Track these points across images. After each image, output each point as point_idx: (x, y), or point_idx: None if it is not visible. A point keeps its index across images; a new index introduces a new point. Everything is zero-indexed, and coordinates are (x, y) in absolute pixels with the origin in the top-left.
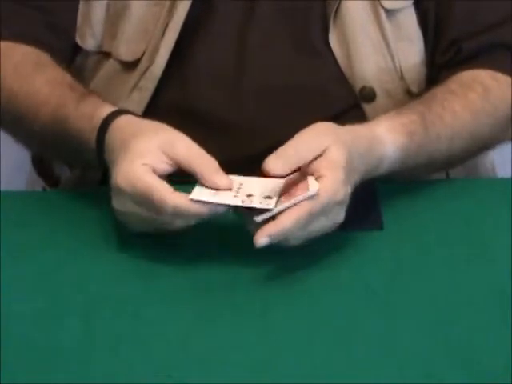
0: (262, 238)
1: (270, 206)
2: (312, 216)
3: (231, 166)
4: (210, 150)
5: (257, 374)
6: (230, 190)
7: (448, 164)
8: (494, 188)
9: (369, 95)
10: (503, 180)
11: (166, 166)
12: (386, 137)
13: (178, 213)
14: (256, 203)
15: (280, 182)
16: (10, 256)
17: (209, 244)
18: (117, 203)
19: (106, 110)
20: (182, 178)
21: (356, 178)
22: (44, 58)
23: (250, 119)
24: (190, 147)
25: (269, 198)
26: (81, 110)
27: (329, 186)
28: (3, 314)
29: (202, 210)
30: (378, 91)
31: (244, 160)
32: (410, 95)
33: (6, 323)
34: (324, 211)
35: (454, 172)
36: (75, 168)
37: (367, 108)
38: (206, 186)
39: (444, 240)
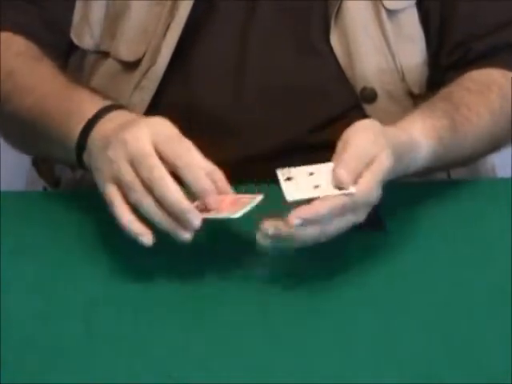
0: (295, 219)
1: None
2: (343, 210)
3: (232, 165)
4: (211, 150)
5: (257, 374)
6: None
7: (466, 163)
8: (495, 188)
9: (370, 96)
10: (503, 180)
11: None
12: (420, 142)
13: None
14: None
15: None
16: (10, 256)
17: (209, 244)
18: (109, 155)
19: (102, 103)
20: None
21: (388, 179)
22: (39, 53)
23: (251, 119)
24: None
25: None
26: (69, 99)
27: (367, 188)
28: (3, 313)
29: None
30: (379, 92)
31: (246, 160)
32: (411, 96)
33: (6, 323)
34: (354, 209)
35: (455, 172)
36: (76, 169)
37: (368, 109)
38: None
39: (444, 240)
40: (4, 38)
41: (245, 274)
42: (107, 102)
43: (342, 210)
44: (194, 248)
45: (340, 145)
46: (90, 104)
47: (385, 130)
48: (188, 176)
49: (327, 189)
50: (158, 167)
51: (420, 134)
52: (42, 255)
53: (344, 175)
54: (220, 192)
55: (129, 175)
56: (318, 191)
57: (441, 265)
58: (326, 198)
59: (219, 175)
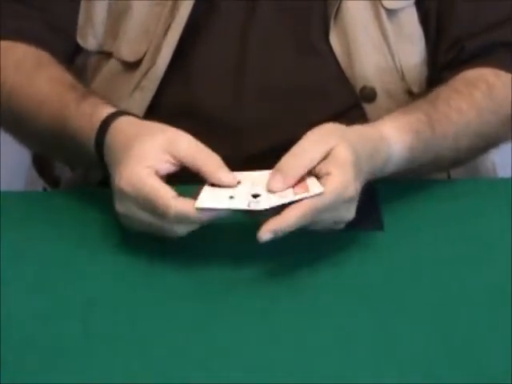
0: (265, 234)
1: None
2: (317, 213)
3: (232, 165)
4: (211, 150)
5: (257, 374)
6: (232, 187)
7: (454, 163)
8: (495, 188)
9: (369, 95)
10: (503, 180)
11: (168, 166)
12: (392, 136)
13: (180, 219)
14: (264, 205)
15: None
16: (10, 256)
17: (209, 243)
18: (120, 206)
19: (106, 110)
20: (182, 178)
21: (363, 177)
22: (44, 56)
23: (251, 119)
24: (192, 144)
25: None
26: (81, 111)
27: (337, 183)
28: (3, 313)
29: (204, 216)
30: (379, 91)
31: (245, 160)
32: (410, 95)
33: (6, 323)
34: (331, 209)
35: (455, 172)
36: (76, 168)
37: (368, 108)
38: (212, 185)
39: (444, 240)
40: (3, 49)
41: (244, 274)
42: (106, 112)
43: (317, 213)
44: (193, 248)
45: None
46: (99, 111)
47: (342, 128)
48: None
49: (248, 200)
50: (164, 207)
51: (391, 129)
52: (42, 255)
53: (277, 183)
54: None
55: (138, 215)
56: (231, 202)
57: (440, 264)
58: (296, 206)
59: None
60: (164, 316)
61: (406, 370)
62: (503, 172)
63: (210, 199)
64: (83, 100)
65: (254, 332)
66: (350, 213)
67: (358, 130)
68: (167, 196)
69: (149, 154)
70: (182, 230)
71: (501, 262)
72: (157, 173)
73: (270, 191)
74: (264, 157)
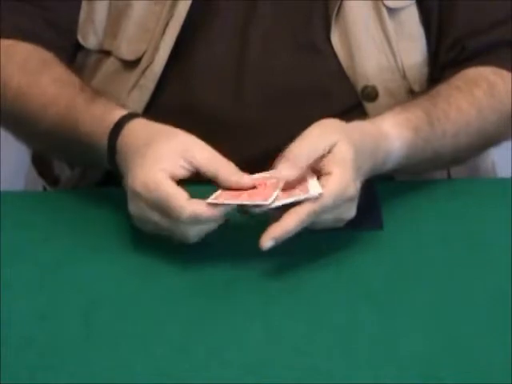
0: (267, 241)
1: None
2: (316, 215)
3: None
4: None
5: (257, 374)
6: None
7: (454, 160)
8: (494, 188)
9: (371, 94)
10: (503, 180)
11: (183, 171)
12: (392, 132)
13: (194, 219)
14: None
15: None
16: (10, 256)
17: (209, 243)
18: (133, 208)
19: (118, 113)
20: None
21: (363, 174)
22: (49, 56)
23: (250, 118)
24: (207, 151)
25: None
26: (91, 112)
27: (337, 183)
28: (3, 313)
29: (217, 212)
30: (380, 90)
31: (245, 159)
32: (412, 94)
33: (6, 323)
34: (332, 208)
35: (455, 172)
36: (75, 167)
37: (369, 107)
38: (224, 189)
39: (444, 240)
40: (7, 47)
41: (244, 274)
42: (122, 112)
43: (316, 215)
44: (194, 248)
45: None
46: (109, 113)
47: (343, 124)
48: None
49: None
50: (178, 208)
51: (390, 126)
52: (42, 255)
53: (280, 165)
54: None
55: (153, 218)
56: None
57: (440, 264)
58: (294, 210)
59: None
60: (164, 316)
61: (406, 370)
62: (503, 172)
63: (222, 197)
64: (92, 102)
65: (254, 332)
66: (350, 211)
67: (358, 126)
68: (182, 197)
69: (164, 157)
70: (194, 232)
71: (500, 261)
72: (172, 177)
73: (281, 178)
74: (264, 156)
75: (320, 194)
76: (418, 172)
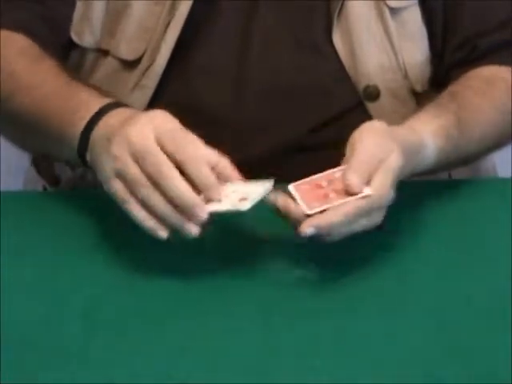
0: (308, 228)
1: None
2: (358, 216)
3: (233, 164)
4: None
5: (257, 374)
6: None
7: (472, 160)
8: (495, 188)
9: (373, 94)
10: (503, 180)
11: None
12: (429, 142)
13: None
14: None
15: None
16: (9, 256)
17: (209, 244)
18: (110, 163)
19: (102, 100)
20: None
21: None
22: (37, 49)
23: (252, 118)
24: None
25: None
26: (74, 101)
27: (379, 190)
28: (3, 314)
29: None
30: (382, 90)
31: (246, 159)
32: (413, 93)
33: (5, 323)
34: (369, 213)
35: (455, 172)
36: (76, 167)
37: (371, 107)
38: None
39: (444, 240)
40: (5, 37)
41: (245, 274)
42: (109, 100)
43: (358, 216)
44: (194, 248)
45: (348, 149)
46: (92, 102)
47: (393, 131)
48: (190, 170)
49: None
50: (164, 162)
51: (429, 134)
52: (42, 255)
53: (354, 181)
54: (227, 180)
55: (135, 171)
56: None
57: (441, 264)
58: (340, 205)
59: (224, 163)
60: (164, 316)
61: (405, 370)
62: (503, 172)
63: (312, 202)
64: (76, 92)
65: (255, 332)
66: (380, 218)
67: (404, 135)
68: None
69: (157, 117)
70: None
71: (501, 262)
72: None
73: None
74: (265, 156)
75: (369, 195)
76: (436, 173)
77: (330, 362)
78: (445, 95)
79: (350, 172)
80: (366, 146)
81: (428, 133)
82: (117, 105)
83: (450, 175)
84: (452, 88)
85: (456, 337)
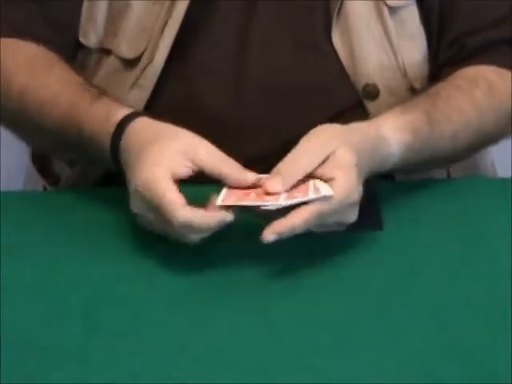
0: (270, 235)
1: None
2: (322, 217)
3: None
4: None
5: (257, 374)
6: (256, 187)
7: (451, 160)
8: (494, 188)
9: (372, 92)
10: (503, 180)
11: (186, 170)
12: (392, 136)
13: (185, 227)
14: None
15: None
16: (9, 256)
17: (209, 244)
18: (134, 205)
19: (121, 112)
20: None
21: (363, 177)
22: (52, 56)
23: (251, 118)
24: (211, 149)
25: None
26: (94, 112)
27: (343, 188)
28: (3, 313)
29: (211, 221)
30: (381, 88)
31: (245, 159)
32: (413, 92)
33: (5, 323)
34: (336, 212)
35: (454, 171)
36: (75, 165)
37: (370, 106)
38: (229, 187)
39: (444, 240)
40: (10, 46)
41: (244, 274)
42: (126, 111)
43: (322, 217)
44: (194, 248)
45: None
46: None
47: (343, 129)
48: None
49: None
50: (171, 213)
51: (391, 129)
52: (41, 255)
53: (275, 185)
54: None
55: (150, 219)
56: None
57: (440, 264)
58: (302, 208)
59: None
60: (164, 316)
61: (405, 370)
62: (503, 171)
63: (231, 198)
64: (96, 101)
65: (254, 332)
66: (352, 216)
67: (358, 129)
68: (176, 202)
69: (167, 155)
70: (190, 237)
71: (501, 261)
72: (174, 176)
73: (265, 193)
74: (264, 156)
75: (330, 195)
76: (414, 171)
77: (330, 362)
78: (421, 94)
79: (271, 174)
80: (302, 145)
81: (390, 128)
82: (129, 119)
83: (449, 175)
84: (435, 87)
85: (456, 337)
